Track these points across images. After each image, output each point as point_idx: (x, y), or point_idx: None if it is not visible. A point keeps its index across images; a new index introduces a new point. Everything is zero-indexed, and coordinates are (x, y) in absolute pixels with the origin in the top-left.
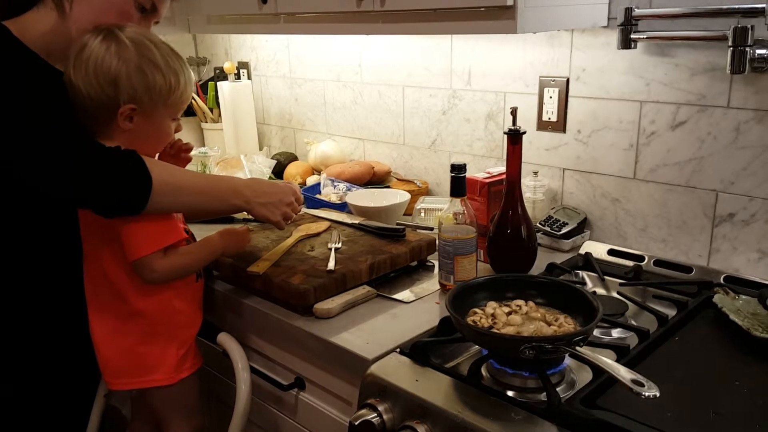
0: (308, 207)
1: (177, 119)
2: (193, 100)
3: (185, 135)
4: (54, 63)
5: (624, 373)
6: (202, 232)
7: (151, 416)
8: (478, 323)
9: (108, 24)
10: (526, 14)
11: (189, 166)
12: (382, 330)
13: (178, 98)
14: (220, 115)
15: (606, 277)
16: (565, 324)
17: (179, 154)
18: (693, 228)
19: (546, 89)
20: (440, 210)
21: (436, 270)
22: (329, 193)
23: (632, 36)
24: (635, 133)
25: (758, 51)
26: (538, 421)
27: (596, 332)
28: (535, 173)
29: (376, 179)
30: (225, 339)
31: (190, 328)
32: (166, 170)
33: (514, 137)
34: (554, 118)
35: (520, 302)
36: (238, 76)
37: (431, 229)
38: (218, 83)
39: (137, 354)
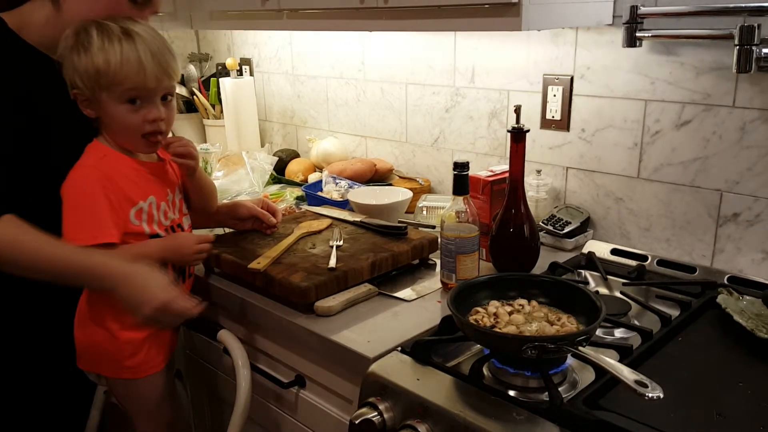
0: (310, 204)
1: (137, 104)
2: (195, 97)
3: (187, 131)
4: (52, 54)
5: (627, 374)
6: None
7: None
8: (480, 322)
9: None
10: (530, 11)
11: None
12: (383, 328)
13: (112, 79)
14: (222, 111)
15: (609, 277)
16: (568, 324)
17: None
18: (697, 228)
19: (550, 87)
20: (442, 208)
21: (438, 268)
22: (331, 190)
23: (637, 34)
24: (639, 132)
25: (764, 50)
26: (539, 422)
27: (599, 332)
28: (538, 172)
29: (378, 177)
30: (225, 336)
31: (137, 331)
32: (13, 243)
33: (518, 135)
34: (558, 117)
35: (523, 301)
36: (240, 73)
37: (433, 227)
38: (220, 80)
39: (90, 339)
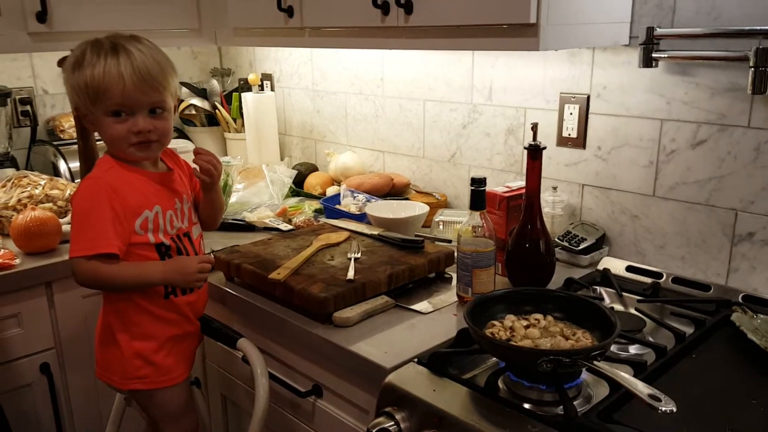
0: (328, 217)
1: (122, 116)
2: (217, 111)
3: (209, 144)
4: None
5: (641, 388)
6: (218, 238)
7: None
8: (497, 335)
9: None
10: (548, 32)
11: None
12: (400, 340)
13: (96, 92)
14: (243, 125)
15: (624, 294)
16: (583, 339)
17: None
18: (712, 246)
19: (566, 105)
20: (458, 223)
21: (454, 282)
22: (349, 203)
23: (653, 55)
24: (655, 150)
25: None
26: None
27: (614, 348)
28: (555, 188)
29: (395, 191)
30: (245, 345)
31: (147, 341)
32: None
33: (534, 152)
34: (574, 135)
35: (539, 316)
36: (261, 88)
37: (449, 241)
38: (242, 94)
39: (103, 349)
